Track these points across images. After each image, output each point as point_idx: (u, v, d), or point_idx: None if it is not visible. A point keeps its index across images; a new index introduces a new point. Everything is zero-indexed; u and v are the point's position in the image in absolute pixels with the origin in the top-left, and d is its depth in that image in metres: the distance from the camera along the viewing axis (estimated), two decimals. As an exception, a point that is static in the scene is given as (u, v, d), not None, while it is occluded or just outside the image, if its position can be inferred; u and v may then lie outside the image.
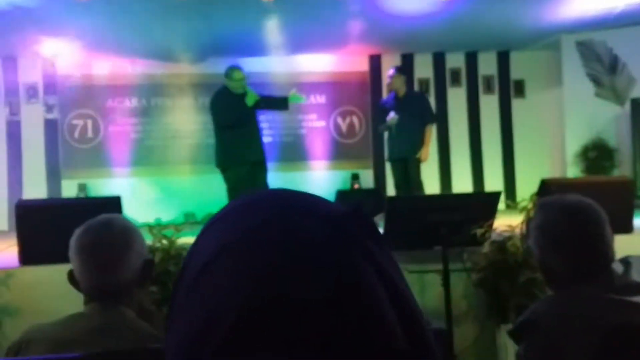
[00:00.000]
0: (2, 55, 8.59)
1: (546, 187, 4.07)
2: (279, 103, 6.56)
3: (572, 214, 1.70)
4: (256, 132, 6.22)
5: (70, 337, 1.57)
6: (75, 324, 1.61)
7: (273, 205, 0.53)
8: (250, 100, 6.02)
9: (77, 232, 1.67)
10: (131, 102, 9.08)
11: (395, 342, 0.46)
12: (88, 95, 8.87)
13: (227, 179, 6.13)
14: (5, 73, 8.74)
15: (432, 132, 7.11)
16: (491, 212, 3.79)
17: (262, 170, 6.21)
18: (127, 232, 1.68)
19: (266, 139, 6.62)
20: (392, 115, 6.74)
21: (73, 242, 1.66)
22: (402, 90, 6.95)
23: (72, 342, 1.55)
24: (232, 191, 6.03)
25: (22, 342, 1.60)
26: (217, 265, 0.50)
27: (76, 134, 8.90)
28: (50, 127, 8.87)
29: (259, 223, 0.51)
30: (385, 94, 8.59)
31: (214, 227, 0.54)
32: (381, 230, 3.66)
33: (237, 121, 6.02)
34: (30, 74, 8.78)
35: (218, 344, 0.46)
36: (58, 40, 7.88)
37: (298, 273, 0.47)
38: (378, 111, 7.68)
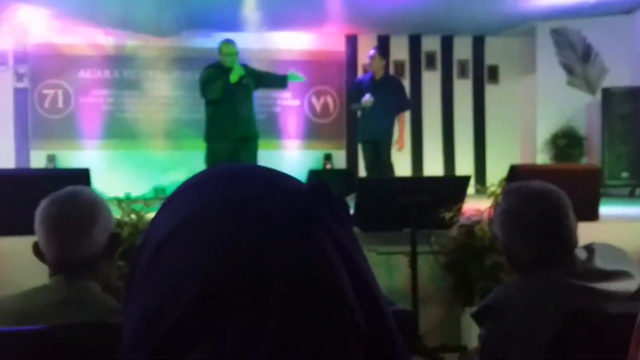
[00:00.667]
0: (-29, 22, 8.40)
1: (515, 172, 4.10)
2: (277, 81, 6.49)
3: (536, 200, 1.72)
4: (243, 108, 6.02)
5: (34, 309, 1.55)
6: (39, 296, 1.59)
7: (253, 180, 0.54)
8: (234, 77, 5.91)
9: (43, 203, 1.65)
10: (103, 74, 8.93)
11: (352, 316, 0.47)
12: (59, 65, 8.70)
13: (207, 153, 6.10)
14: (-26, 41, 8.56)
15: (405, 120, 7.17)
16: (460, 196, 3.82)
17: (249, 147, 6.09)
18: (93, 205, 1.66)
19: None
20: (367, 98, 6.73)
21: (38, 213, 1.64)
22: (380, 72, 6.98)
23: (35, 315, 1.53)
24: (209, 165, 5.98)
25: (-16, 314, 1.59)
26: (189, 231, 0.50)
27: (46, 104, 8.75)
28: (20, 96, 8.70)
29: (246, 196, 0.51)
30: (360, 75, 8.59)
31: (184, 195, 0.54)
32: (351, 211, 3.67)
33: (220, 96, 5.91)
34: (0, 41, 8.60)
35: (180, 315, 0.46)
36: (30, 8, 7.71)
37: (263, 249, 0.48)
38: (352, 89, 7.66)
